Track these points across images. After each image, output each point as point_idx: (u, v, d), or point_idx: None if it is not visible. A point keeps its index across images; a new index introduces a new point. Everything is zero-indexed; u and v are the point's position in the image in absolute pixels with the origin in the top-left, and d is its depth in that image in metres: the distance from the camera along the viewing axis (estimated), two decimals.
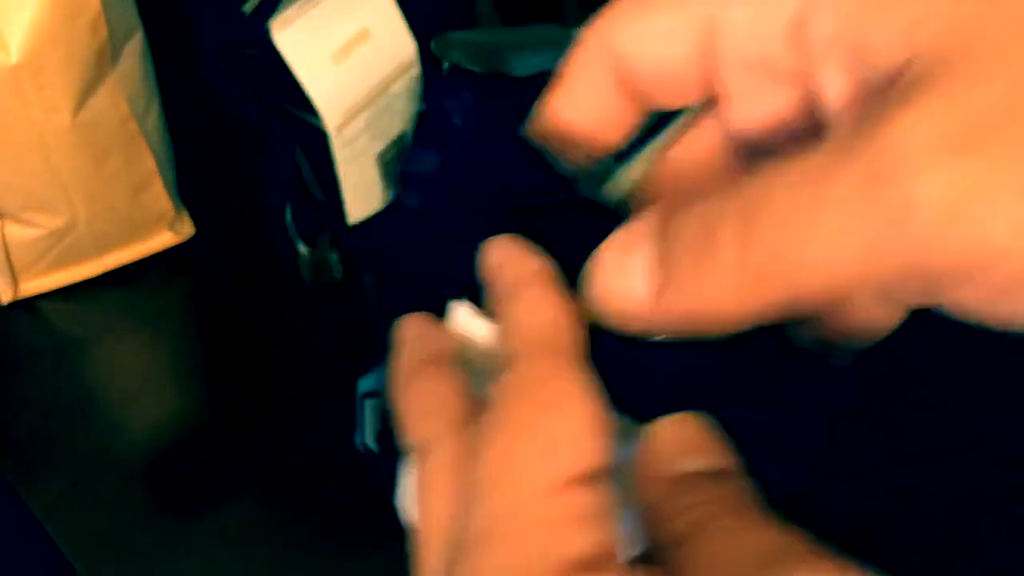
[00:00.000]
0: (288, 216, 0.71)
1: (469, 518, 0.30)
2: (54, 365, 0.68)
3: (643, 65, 0.34)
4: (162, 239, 0.73)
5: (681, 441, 0.34)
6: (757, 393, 0.66)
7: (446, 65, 0.64)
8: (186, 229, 0.74)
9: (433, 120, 0.66)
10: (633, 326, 0.33)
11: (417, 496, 0.33)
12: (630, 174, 0.47)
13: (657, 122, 0.55)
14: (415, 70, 0.70)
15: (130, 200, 0.69)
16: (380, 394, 0.59)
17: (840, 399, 0.66)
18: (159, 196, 0.70)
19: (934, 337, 0.69)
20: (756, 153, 0.35)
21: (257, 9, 0.63)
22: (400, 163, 0.67)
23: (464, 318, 0.37)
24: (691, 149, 0.37)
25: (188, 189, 0.76)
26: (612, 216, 0.35)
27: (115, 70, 0.64)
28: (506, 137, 0.54)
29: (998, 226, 0.25)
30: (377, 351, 0.63)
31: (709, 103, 0.35)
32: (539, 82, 0.54)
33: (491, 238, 0.36)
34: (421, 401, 0.35)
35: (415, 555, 0.33)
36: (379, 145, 0.69)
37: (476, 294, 0.38)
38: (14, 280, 0.69)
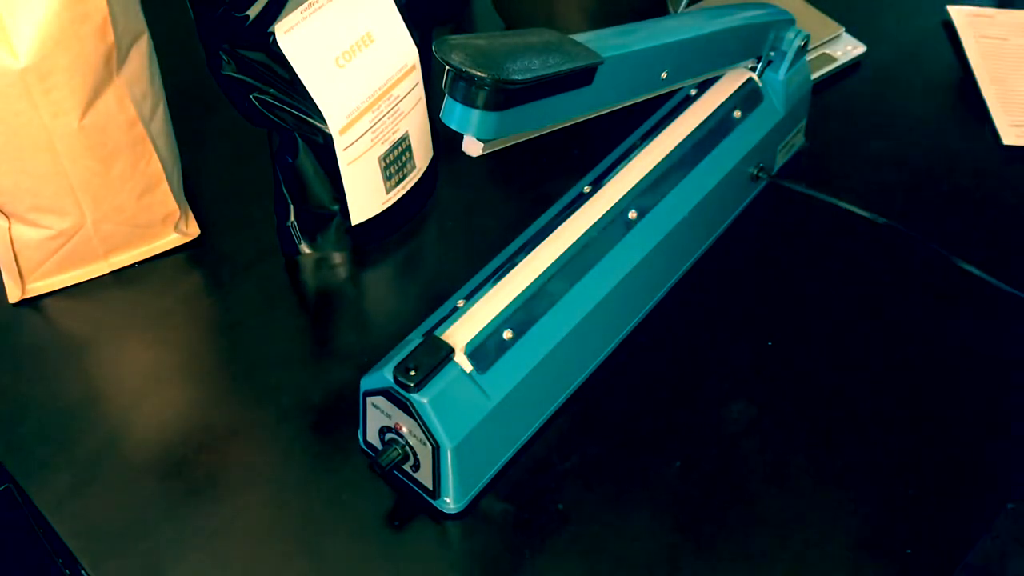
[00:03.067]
0: (291, 216, 0.72)
1: None
2: (61, 364, 0.68)
3: None
4: (168, 240, 0.73)
5: None
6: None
7: None
8: (192, 230, 0.74)
9: None
10: None
11: None
12: None
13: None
14: (417, 74, 0.71)
15: (136, 201, 0.70)
16: (382, 392, 0.60)
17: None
18: (165, 197, 0.70)
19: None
20: None
21: (261, 13, 0.63)
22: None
23: None
24: None
25: (193, 190, 0.77)
26: None
27: (122, 73, 0.65)
28: None
29: None
30: (378, 351, 0.63)
31: None
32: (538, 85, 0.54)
33: None
34: None
35: None
36: (381, 148, 0.70)
37: None
38: (21, 280, 0.70)
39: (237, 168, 0.80)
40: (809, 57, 0.84)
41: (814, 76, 0.84)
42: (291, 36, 0.64)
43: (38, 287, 0.71)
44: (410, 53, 0.70)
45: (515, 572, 0.59)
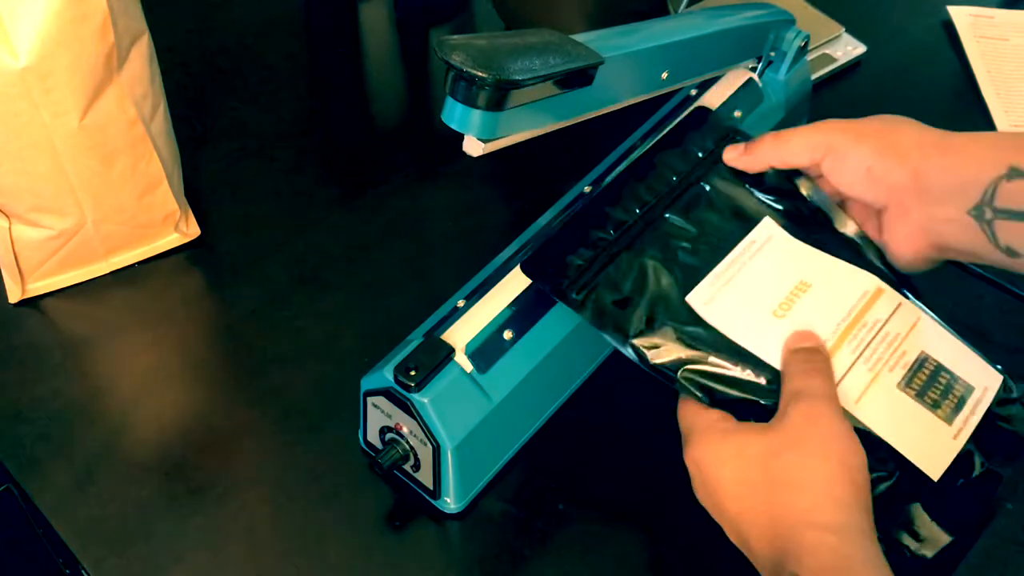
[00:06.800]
0: None
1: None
2: (61, 364, 0.68)
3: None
4: (168, 240, 0.73)
5: None
6: None
7: None
8: (192, 230, 0.74)
9: None
10: None
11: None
12: None
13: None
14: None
15: (137, 201, 0.70)
16: (382, 392, 0.60)
17: None
18: (165, 197, 0.70)
19: None
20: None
21: None
22: None
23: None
24: None
25: (193, 190, 0.77)
26: None
27: (122, 73, 0.65)
28: None
29: None
30: (379, 351, 0.64)
31: None
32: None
33: None
34: None
35: None
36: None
37: None
38: (22, 280, 0.70)
39: (237, 168, 0.80)
40: (809, 57, 0.84)
41: (814, 76, 0.84)
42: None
43: (38, 287, 0.71)
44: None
45: (515, 572, 0.59)
